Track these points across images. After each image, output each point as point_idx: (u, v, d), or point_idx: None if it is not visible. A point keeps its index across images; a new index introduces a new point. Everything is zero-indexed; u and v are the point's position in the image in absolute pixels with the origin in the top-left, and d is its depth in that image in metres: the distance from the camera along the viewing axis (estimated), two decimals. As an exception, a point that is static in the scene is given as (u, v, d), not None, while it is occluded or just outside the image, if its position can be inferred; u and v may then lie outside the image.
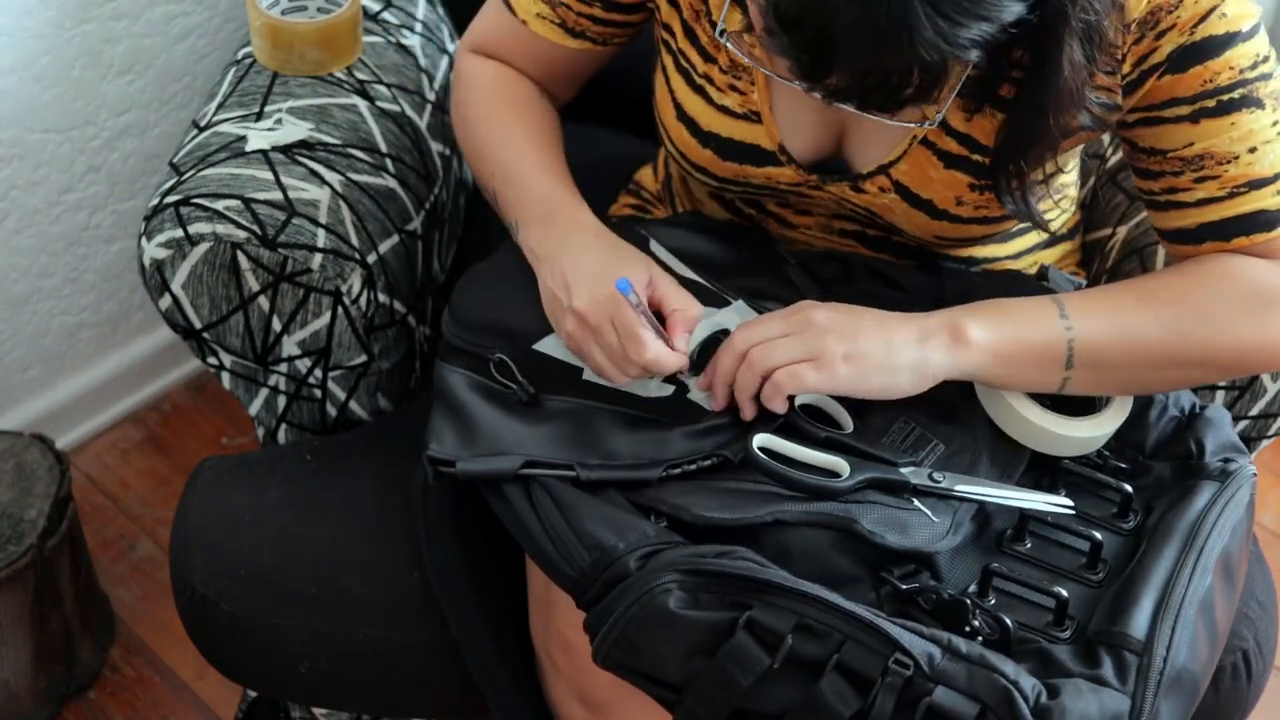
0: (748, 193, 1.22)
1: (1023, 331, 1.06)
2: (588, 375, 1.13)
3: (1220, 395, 1.23)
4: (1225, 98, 1.03)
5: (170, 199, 1.22)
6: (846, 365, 1.04)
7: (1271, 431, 1.26)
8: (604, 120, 1.57)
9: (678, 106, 1.19)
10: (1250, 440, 1.26)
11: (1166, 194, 1.08)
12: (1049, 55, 0.96)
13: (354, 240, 1.24)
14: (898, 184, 1.14)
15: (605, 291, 1.09)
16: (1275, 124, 1.05)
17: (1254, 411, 1.24)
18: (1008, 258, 1.27)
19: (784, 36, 0.90)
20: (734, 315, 1.15)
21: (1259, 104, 1.04)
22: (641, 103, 1.42)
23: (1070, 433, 1.09)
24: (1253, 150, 1.04)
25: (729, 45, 1.06)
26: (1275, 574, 1.25)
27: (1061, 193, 1.24)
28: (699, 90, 1.17)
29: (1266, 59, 1.04)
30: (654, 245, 1.20)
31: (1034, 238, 1.28)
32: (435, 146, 1.41)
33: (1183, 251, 1.10)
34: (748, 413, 1.08)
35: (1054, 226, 1.28)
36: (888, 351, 1.05)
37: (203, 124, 1.31)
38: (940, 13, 0.86)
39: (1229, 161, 1.04)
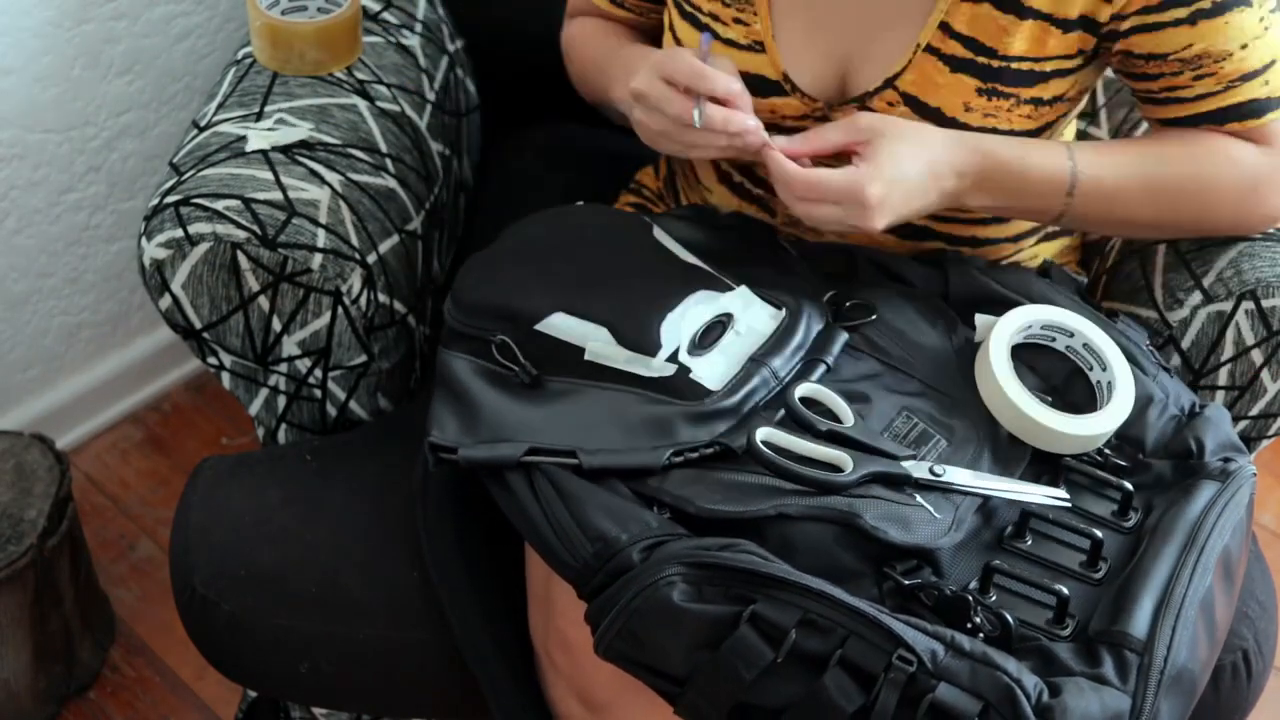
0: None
1: (1030, 153, 1.15)
2: (589, 355, 1.13)
3: (1220, 395, 1.23)
4: None
5: (170, 199, 1.22)
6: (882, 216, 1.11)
7: (1271, 431, 1.26)
8: (604, 120, 1.57)
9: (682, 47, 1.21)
10: (1250, 440, 1.26)
11: (1165, 91, 1.17)
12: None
13: (354, 240, 1.25)
14: (905, 95, 1.16)
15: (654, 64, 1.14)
16: (1261, 19, 1.13)
17: (1254, 411, 1.24)
18: (1006, 240, 1.28)
19: None
20: (737, 300, 1.15)
21: (1247, 2, 1.12)
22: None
23: (1071, 430, 1.09)
24: (1244, 46, 1.13)
25: None
26: (1275, 574, 1.25)
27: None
28: (704, 30, 1.20)
29: None
30: (657, 232, 1.20)
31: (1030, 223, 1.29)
32: (435, 146, 1.41)
33: (1174, 131, 1.20)
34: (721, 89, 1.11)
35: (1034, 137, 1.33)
36: (916, 154, 1.11)
37: (203, 124, 1.31)
38: None
39: (1224, 59, 1.14)
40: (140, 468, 1.90)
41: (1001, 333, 1.13)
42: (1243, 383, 1.22)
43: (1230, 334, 1.20)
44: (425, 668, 1.19)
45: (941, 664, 0.94)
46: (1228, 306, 1.19)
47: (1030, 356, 1.16)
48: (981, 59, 1.14)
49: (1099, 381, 1.14)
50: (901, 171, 1.10)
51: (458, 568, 1.16)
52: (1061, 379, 1.15)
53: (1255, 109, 1.16)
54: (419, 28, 1.48)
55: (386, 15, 1.46)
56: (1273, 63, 1.15)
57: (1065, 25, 1.13)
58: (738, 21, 1.18)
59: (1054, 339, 1.15)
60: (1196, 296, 1.20)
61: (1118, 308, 1.27)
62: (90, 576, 1.66)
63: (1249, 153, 1.17)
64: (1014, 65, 1.14)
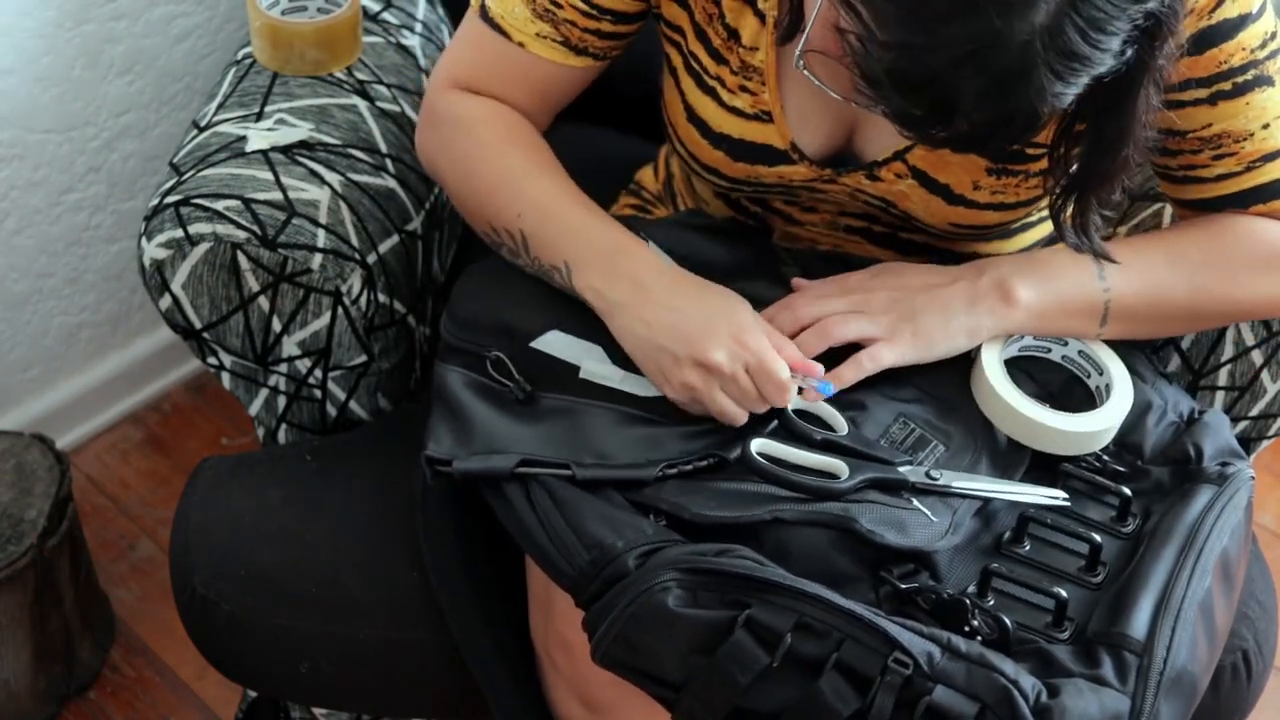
0: (757, 192, 1.22)
1: (1065, 291, 1.12)
2: (584, 373, 1.13)
3: (1220, 396, 1.23)
4: (1240, 79, 1.07)
5: (170, 199, 1.22)
6: (914, 341, 1.11)
7: (1271, 432, 1.26)
8: (604, 120, 1.57)
9: (689, 109, 1.19)
10: (1250, 441, 1.26)
11: (1184, 170, 1.13)
12: (1125, 103, 0.97)
13: (354, 240, 1.25)
14: (914, 169, 1.15)
15: (731, 337, 1.07)
16: None
17: (1254, 412, 1.24)
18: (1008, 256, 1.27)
19: (897, 96, 0.90)
20: None
21: (1270, 81, 1.08)
22: (641, 103, 1.42)
23: (1068, 428, 1.09)
24: (1266, 126, 1.09)
25: (807, 73, 1.03)
26: (1275, 574, 1.25)
27: None
28: (710, 92, 1.17)
29: (1275, 35, 1.08)
30: (651, 247, 1.20)
31: (1036, 234, 1.29)
32: (435, 147, 1.41)
33: (1197, 215, 1.15)
34: (816, 371, 1.09)
35: (1037, 230, 1.30)
36: (945, 321, 1.11)
37: (203, 124, 1.31)
38: (1058, 75, 0.88)
39: (1245, 139, 1.10)
40: (140, 468, 1.90)
41: (994, 341, 1.13)
42: (1243, 383, 1.22)
43: (1230, 334, 1.20)
44: (425, 668, 1.19)
45: (938, 666, 0.94)
46: (1228, 307, 1.19)
47: (1027, 366, 1.16)
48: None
49: (1097, 386, 1.14)
50: (899, 265, 1.14)
51: (457, 571, 1.16)
52: (1059, 386, 1.15)
53: (1277, 190, 1.12)
54: (419, 28, 1.48)
55: (386, 15, 1.46)
56: None
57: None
58: (744, 90, 1.15)
59: (1049, 350, 1.16)
60: (1196, 297, 1.20)
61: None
62: (90, 576, 1.66)
63: (1276, 231, 1.13)
64: (1026, 149, 1.12)
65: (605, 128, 1.58)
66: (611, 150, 1.54)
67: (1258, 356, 1.20)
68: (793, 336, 1.11)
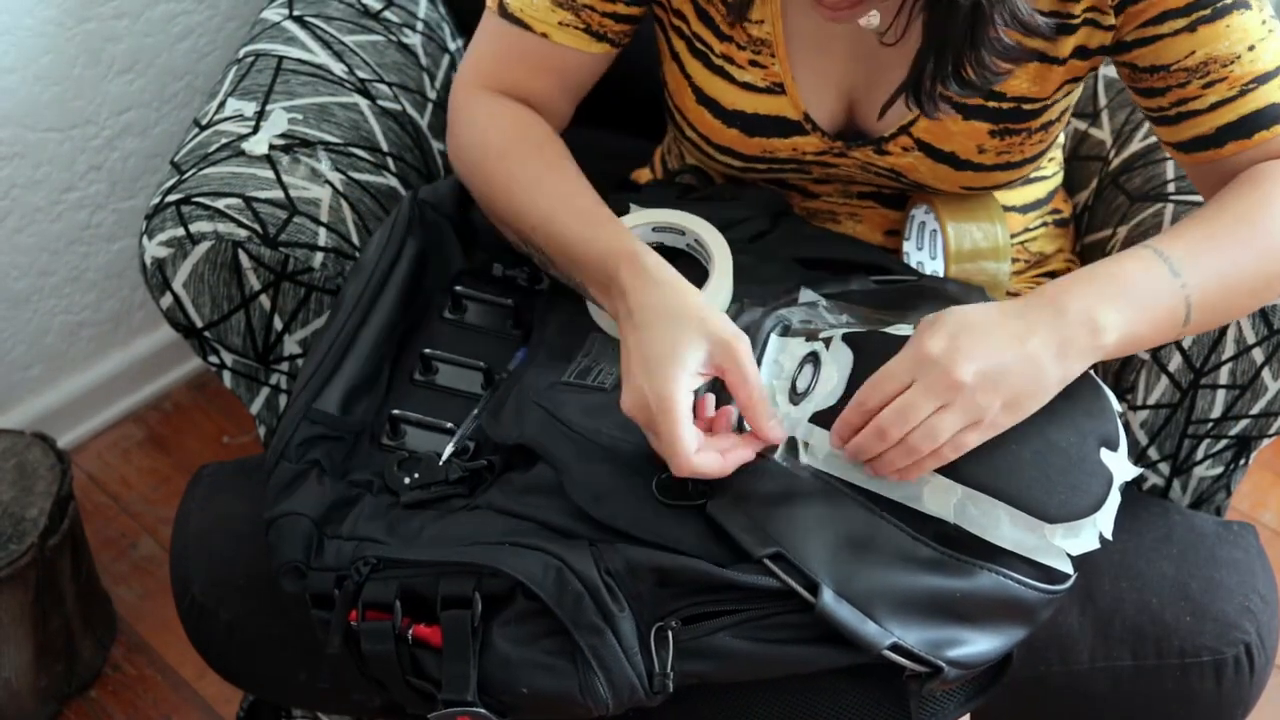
0: (771, 170, 1.22)
1: (1147, 303, 1.00)
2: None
3: (1221, 394, 1.23)
4: (1219, 4, 1.06)
5: (171, 198, 1.22)
6: (1007, 414, 0.97)
7: (1272, 430, 1.26)
8: (603, 120, 1.57)
9: (697, 91, 1.20)
10: (1250, 439, 1.26)
11: (1177, 106, 1.09)
12: None
13: (355, 239, 1.25)
14: (920, 141, 1.16)
15: (649, 391, 1.00)
16: (1264, 21, 1.07)
17: (1255, 410, 1.24)
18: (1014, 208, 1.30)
19: None
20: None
21: (1246, 4, 1.06)
22: (640, 103, 1.42)
23: None
24: (1251, 48, 1.06)
25: None
26: (1277, 571, 1.25)
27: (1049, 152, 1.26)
28: (719, 71, 1.18)
29: None
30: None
31: (1047, 187, 1.32)
32: (436, 145, 1.41)
33: (1202, 159, 1.10)
34: (911, 474, 0.98)
35: (1046, 183, 1.33)
36: (1037, 377, 0.97)
37: (204, 122, 1.31)
38: None
39: (1233, 62, 1.06)
40: (141, 466, 1.90)
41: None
42: (1243, 381, 1.22)
43: (1231, 332, 1.20)
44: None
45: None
46: (1229, 305, 1.19)
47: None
48: (991, 103, 1.13)
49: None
50: (965, 316, 0.97)
51: None
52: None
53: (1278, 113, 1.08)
54: (420, 26, 1.49)
55: (388, 14, 1.46)
56: None
57: (1060, 60, 1.12)
58: (754, 64, 1.16)
59: (682, 242, 1.17)
60: (1197, 295, 1.20)
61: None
62: (91, 575, 1.66)
63: None
64: (1024, 105, 1.14)
65: (605, 128, 1.58)
66: (608, 149, 1.54)
67: (1259, 355, 1.20)
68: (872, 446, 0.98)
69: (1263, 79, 1.07)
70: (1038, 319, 0.97)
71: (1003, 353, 0.96)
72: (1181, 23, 1.06)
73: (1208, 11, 1.06)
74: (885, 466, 0.97)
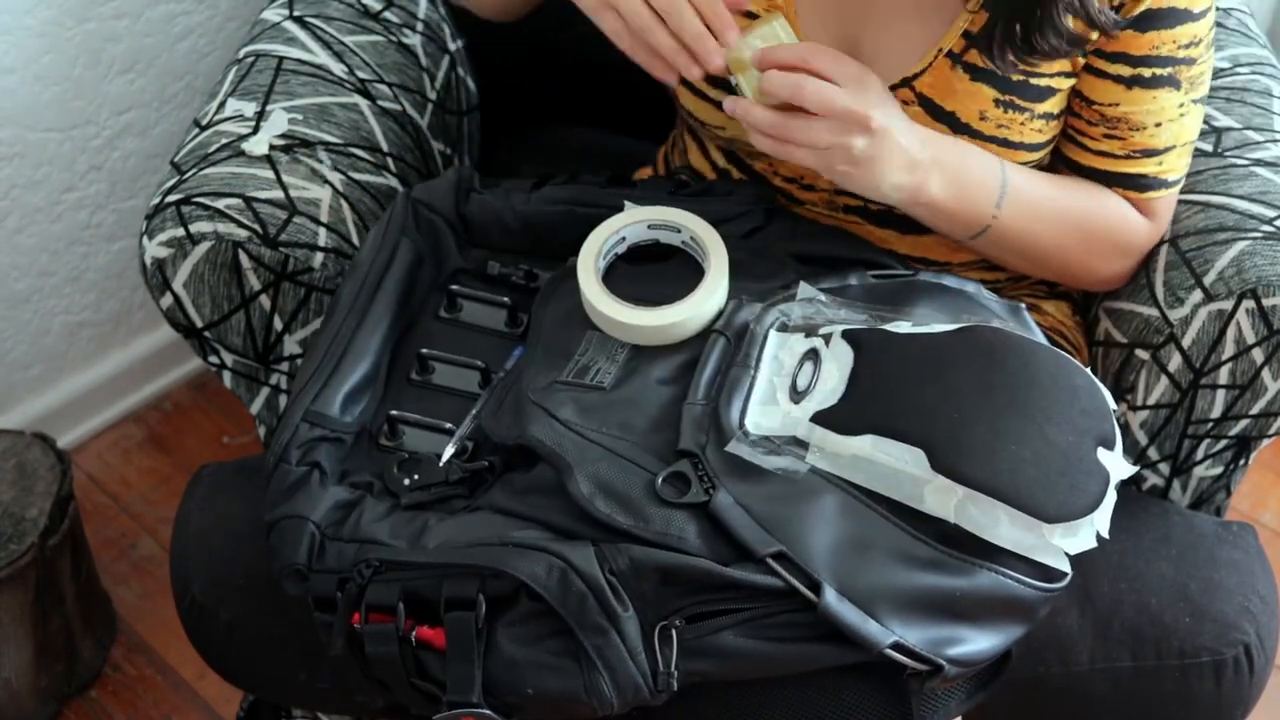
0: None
1: (965, 202, 1.14)
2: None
3: (1221, 394, 1.23)
4: (1160, 71, 1.13)
5: (171, 198, 1.22)
6: (853, 166, 1.08)
7: (1272, 430, 1.26)
8: (604, 120, 1.57)
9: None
10: (1250, 439, 1.26)
11: (1074, 133, 1.19)
12: None
13: (355, 239, 1.25)
14: (921, 96, 1.16)
15: None
16: (1180, 105, 1.16)
17: (1255, 410, 1.24)
18: None
19: None
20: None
21: (1177, 84, 1.14)
22: (641, 103, 1.42)
23: (642, 322, 1.09)
24: (1159, 124, 1.16)
25: None
26: (1276, 571, 1.25)
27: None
28: None
29: (1198, 43, 1.13)
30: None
31: None
32: (436, 145, 1.41)
33: (1064, 170, 1.21)
34: (781, 147, 1.07)
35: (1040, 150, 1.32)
36: (888, 163, 1.08)
37: (204, 123, 1.31)
38: None
39: (1138, 130, 1.16)
40: (141, 466, 1.91)
41: (592, 245, 1.14)
42: (1243, 381, 1.22)
43: (1231, 332, 1.20)
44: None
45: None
46: (1228, 305, 1.19)
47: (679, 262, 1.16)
48: (1002, 70, 1.14)
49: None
50: (898, 115, 1.09)
51: None
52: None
53: (1143, 184, 1.19)
54: (420, 26, 1.49)
55: (388, 14, 1.46)
56: (1172, 147, 1.17)
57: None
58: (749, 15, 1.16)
59: (678, 239, 1.16)
60: (1197, 295, 1.20)
61: (1119, 306, 1.27)
62: (91, 575, 1.66)
63: (1138, 225, 1.21)
64: (1031, 80, 1.14)
65: (605, 128, 1.59)
66: (611, 150, 1.54)
67: (1258, 355, 1.20)
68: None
69: (1149, 153, 1.17)
70: (938, 150, 1.11)
71: (906, 134, 1.08)
72: (1125, 71, 1.13)
73: (1148, 74, 1.13)
74: (766, 121, 1.06)
